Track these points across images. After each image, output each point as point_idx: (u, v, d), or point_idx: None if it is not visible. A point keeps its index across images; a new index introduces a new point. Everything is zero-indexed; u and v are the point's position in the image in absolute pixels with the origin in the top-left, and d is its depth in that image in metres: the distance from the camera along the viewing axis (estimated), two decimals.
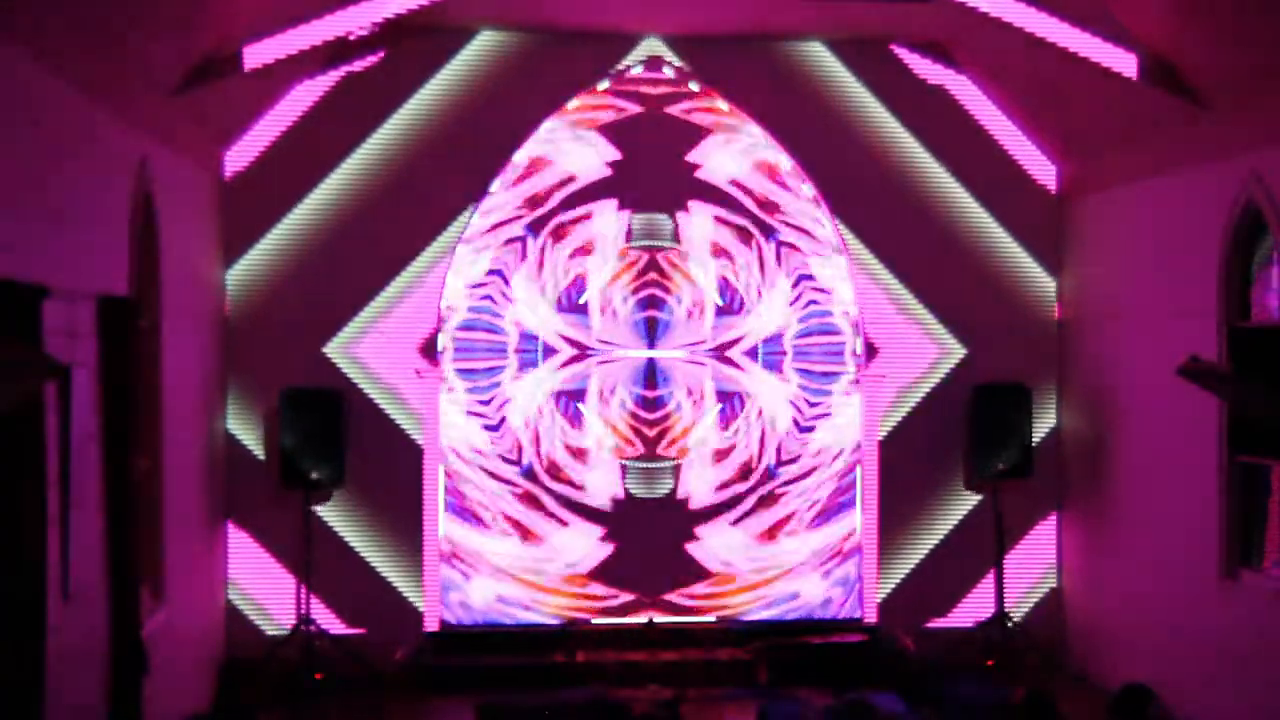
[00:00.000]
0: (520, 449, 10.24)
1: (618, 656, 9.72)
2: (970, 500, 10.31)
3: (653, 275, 10.33)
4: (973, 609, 10.26)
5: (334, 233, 9.85)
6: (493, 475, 10.20)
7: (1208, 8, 7.54)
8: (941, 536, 10.36)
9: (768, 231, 10.36)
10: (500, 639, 10.07)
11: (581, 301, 10.26)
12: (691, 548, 10.33)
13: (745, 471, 10.40)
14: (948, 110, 10.35)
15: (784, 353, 10.41)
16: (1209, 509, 8.39)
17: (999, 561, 10.04)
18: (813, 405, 10.45)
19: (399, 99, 9.89)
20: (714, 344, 10.38)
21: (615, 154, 10.21)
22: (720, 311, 10.37)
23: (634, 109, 10.25)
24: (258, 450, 9.75)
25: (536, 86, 10.00)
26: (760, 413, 10.41)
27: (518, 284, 10.19)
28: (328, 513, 9.79)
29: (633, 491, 10.32)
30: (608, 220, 10.26)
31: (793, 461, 10.43)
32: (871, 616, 10.31)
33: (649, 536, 10.29)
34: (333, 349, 9.88)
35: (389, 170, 9.91)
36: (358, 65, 9.82)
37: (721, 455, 10.39)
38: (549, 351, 10.24)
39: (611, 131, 10.22)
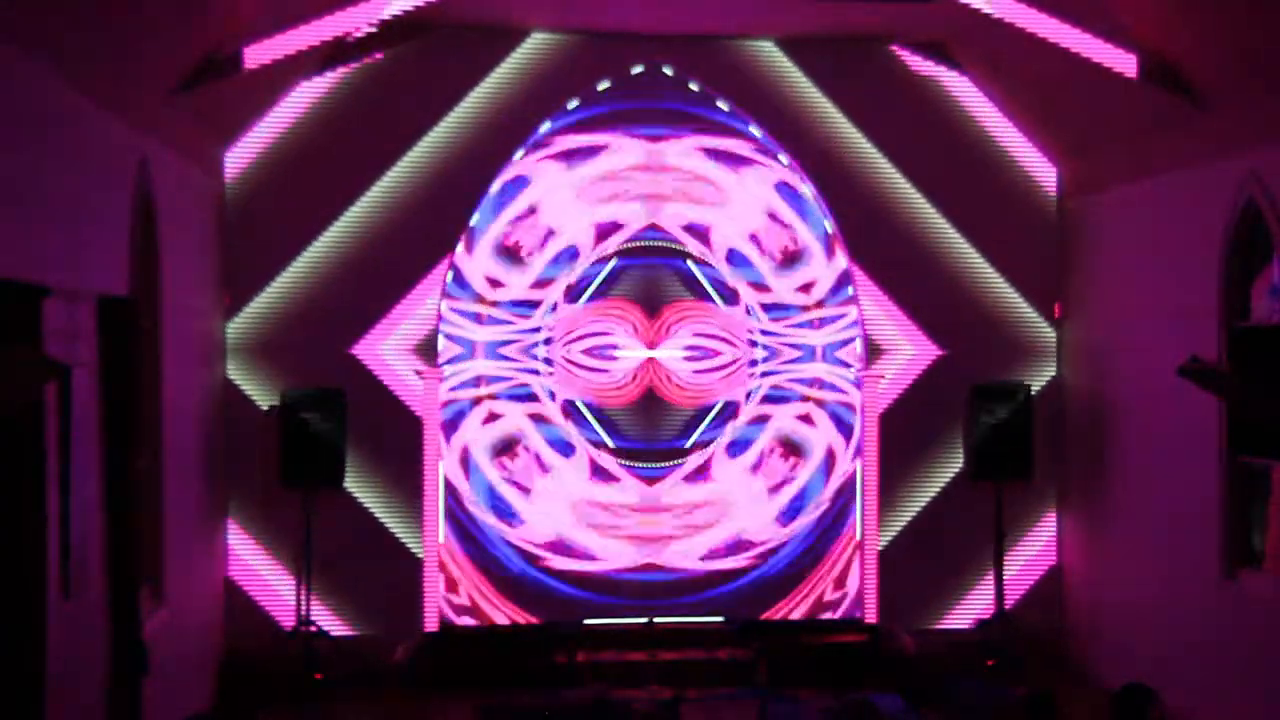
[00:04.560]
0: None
1: (618, 656, 9.73)
2: (970, 500, 10.30)
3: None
4: (973, 609, 10.27)
5: (335, 232, 9.84)
6: None
7: (1208, 8, 7.53)
8: (941, 536, 10.36)
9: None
10: (500, 639, 10.07)
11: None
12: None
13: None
14: (948, 111, 10.35)
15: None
16: (1209, 509, 8.38)
17: (999, 561, 10.04)
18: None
19: (400, 99, 9.89)
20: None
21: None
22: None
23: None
24: (257, 450, 9.74)
25: (537, 87, 10.01)
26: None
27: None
28: (328, 513, 9.78)
29: None
30: None
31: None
32: (871, 616, 10.32)
33: None
34: (333, 349, 9.86)
35: (390, 170, 9.90)
36: (357, 65, 9.82)
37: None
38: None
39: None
